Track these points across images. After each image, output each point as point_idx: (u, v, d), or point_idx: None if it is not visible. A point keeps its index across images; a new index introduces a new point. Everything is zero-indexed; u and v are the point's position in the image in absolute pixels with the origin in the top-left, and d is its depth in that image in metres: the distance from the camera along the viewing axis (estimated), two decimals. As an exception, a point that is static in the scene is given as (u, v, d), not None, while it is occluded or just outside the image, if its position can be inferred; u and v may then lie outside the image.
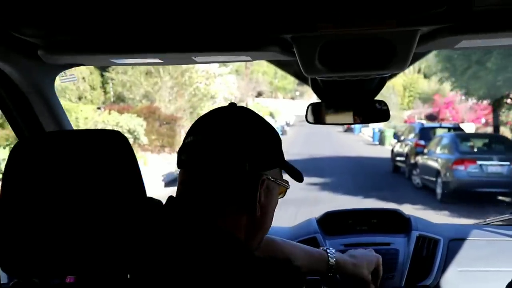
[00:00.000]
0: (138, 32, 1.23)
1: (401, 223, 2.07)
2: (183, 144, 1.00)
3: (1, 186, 0.83)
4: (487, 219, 2.31)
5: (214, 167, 0.91)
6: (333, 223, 2.10)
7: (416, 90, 51.88)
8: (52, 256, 0.83)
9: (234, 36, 1.23)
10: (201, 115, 1.01)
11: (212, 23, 1.19)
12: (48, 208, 0.81)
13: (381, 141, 29.73)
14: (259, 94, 75.43)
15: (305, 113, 1.81)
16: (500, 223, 2.28)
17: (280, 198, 1.04)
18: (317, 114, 1.80)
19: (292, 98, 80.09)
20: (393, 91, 41.76)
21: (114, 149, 0.91)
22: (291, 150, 21.80)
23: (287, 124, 55.55)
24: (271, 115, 60.44)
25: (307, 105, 1.78)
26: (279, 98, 77.88)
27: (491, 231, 2.08)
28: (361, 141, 33.21)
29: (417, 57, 1.45)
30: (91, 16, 1.17)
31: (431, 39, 1.20)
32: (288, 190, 1.03)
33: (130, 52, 1.30)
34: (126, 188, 0.90)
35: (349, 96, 1.70)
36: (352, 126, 43.24)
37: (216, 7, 1.13)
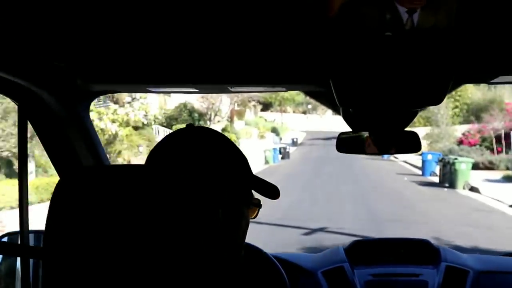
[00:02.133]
0: (175, 64, 1.23)
1: (430, 254, 2.02)
2: None
3: (47, 223, 0.77)
4: None
5: None
6: (361, 252, 2.03)
7: (464, 100, 37.51)
8: None
9: (271, 69, 1.22)
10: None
11: (249, 56, 1.19)
12: (97, 248, 0.73)
13: (444, 179, 16.13)
14: (266, 107, 63.27)
15: (336, 142, 1.72)
16: None
17: (252, 219, 0.97)
18: (347, 143, 1.73)
19: (304, 113, 67.35)
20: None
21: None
22: (283, 198, 8.77)
23: (294, 143, 42.30)
24: (274, 131, 47.38)
25: (338, 134, 1.72)
26: (288, 113, 65.13)
27: None
28: (403, 174, 19.73)
29: (452, 89, 1.32)
30: (130, 45, 1.18)
31: (468, 74, 1.20)
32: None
33: (166, 82, 1.30)
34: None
35: (380, 126, 1.62)
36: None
37: (254, 41, 1.13)
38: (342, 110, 1.51)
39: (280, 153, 30.86)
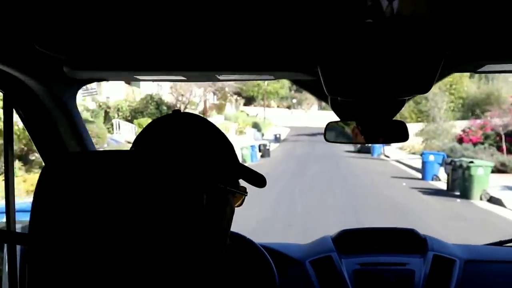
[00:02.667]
0: (162, 50, 1.22)
1: (417, 243, 2.01)
2: None
3: (32, 210, 0.77)
4: (501, 240, 2.17)
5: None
6: (348, 241, 2.04)
7: (459, 94, 34.54)
8: (84, 278, 0.76)
9: (259, 56, 1.22)
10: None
11: (237, 43, 1.18)
12: (82, 233, 0.75)
13: (453, 186, 12.99)
14: (249, 102, 60.14)
15: (323, 132, 1.73)
16: None
17: (237, 207, 0.97)
18: (335, 132, 1.72)
19: (288, 107, 64.33)
20: (438, 94, 24.94)
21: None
22: (249, 212, 5.77)
23: (276, 139, 39.10)
24: (256, 126, 44.17)
25: (326, 123, 1.73)
26: (272, 107, 62.12)
27: (507, 253, 2.03)
28: (399, 178, 16.55)
29: (440, 78, 1.33)
30: (117, 32, 1.17)
31: (455, 63, 1.20)
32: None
33: (154, 69, 1.29)
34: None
35: (368, 115, 1.62)
36: (369, 145, 27.06)
37: (241, 27, 1.12)
38: (330, 99, 1.53)
39: (260, 150, 27.68)
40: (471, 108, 31.46)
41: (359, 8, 1.01)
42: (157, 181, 0.73)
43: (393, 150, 29.15)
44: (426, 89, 1.20)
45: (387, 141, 1.69)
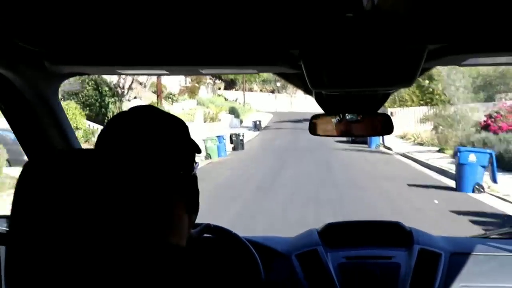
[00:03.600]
0: (144, 45, 1.21)
1: (403, 236, 1.98)
2: None
3: (12, 206, 0.78)
4: (487, 232, 2.22)
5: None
6: (334, 235, 2.02)
7: (469, 72, 28.54)
8: (63, 274, 0.76)
9: (242, 50, 1.21)
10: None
11: (219, 37, 1.17)
12: (63, 231, 0.75)
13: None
14: (230, 86, 54.47)
15: (308, 125, 1.70)
16: (500, 236, 2.21)
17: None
18: (320, 126, 1.71)
19: (272, 92, 58.55)
20: (453, 70, 19.24)
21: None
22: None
23: (256, 127, 33.53)
24: (233, 112, 38.50)
25: (311, 116, 1.70)
26: (255, 91, 56.52)
27: (492, 245, 2.00)
28: (421, 187, 10.88)
29: (424, 71, 1.34)
30: (98, 27, 1.15)
31: (438, 56, 1.18)
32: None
33: (136, 64, 1.28)
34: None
35: (353, 108, 1.63)
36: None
37: (224, 21, 1.12)
38: (314, 93, 1.51)
39: (231, 141, 22.06)
40: (483, 89, 25.73)
41: (340, 2, 1.02)
42: (131, 177, 0.76)
43: (394, 140, 23.70)
44: (409, 82, 1.20)
45: (373, 133, 1.76)
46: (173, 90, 33.91)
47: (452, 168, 12.96)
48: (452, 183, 11.42)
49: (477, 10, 1.05)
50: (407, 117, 28.59)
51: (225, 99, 45.46)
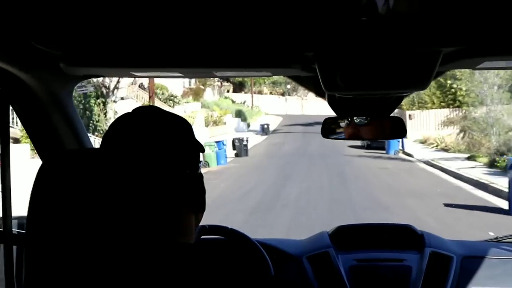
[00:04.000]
0: (159, 47, 1.21)
1: (414, 239, 1.95)
2: None
3: (29, 207, 0.79)
4: (499, 236, 2.18)
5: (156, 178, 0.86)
6: (345, 238, 1.98)
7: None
8: (80, 273, 0.78)
9: (256, 52, 1.20)
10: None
11: (234, 40, 1.17)
12: (79, 230, 0.77)
13: None
14: (239, 88, 52.34)
15: (321, 128, 1.71)
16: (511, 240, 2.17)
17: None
18: (332, 129, 1.70)
19: (282, 94, 56.28)
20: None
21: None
22: None
23: (263, 130, 31.34)
24: (240, 115, 36.31)
25: (324, 119, 1.70)
26: (265, 94, 54.37)
27: (504, 249, 1.97)
28: (459, 206, 8.49)
29: (438, 74, 1.33)
30: (114, 29, 1.16)
31: (453, 60, 1.17)
32: None
33: (151, 66, 1.27)
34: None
35: (365, 112, 1.61)
36: (383, 141, 19.17)
37: (238, 24, 1.12)
38: (327, 96, 1.50)
39: (234, 147, 19.84)
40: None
41: (354, 6, 1.02)
42: (139, 176, 0.77)
43: (413, 146, 21.29)
44: (424, 85, 1.19)
45: (386, 137, 1.70)
46: (176, 92, 31.78)
47: (492, 181, 10.59)
48: (499, 202, 9.06)
49: (492, 13, 1.05)
50: (427, 120, 26.15)
51: (233, 101, 43.28)
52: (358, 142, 22.79)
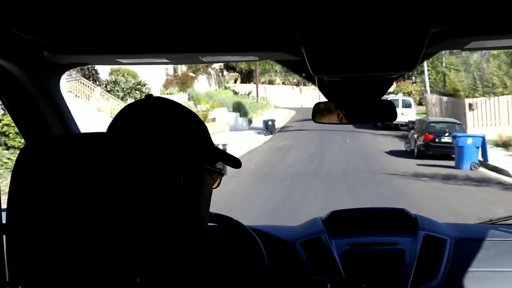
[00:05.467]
0: (144, 32, 1.20)
1: (408, 223, 1.95)
2: None
3: (9, 192, 0.77)
4: (493, 219, 2.15)
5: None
6: (338, 223, 1.98)
7: None
8: (63, 261, 0.76)
9: (242, 36, 1.20)
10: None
11: (220, 24, 1.17)
12: (60, 216, 0.74)
13: None
14: (248, 78, 44.77)
15: (311, 113, 1.69)
16: (507, 222, 2.14)
17: (214, 188, 0.95)
18: (323, 113, 1.71)
19: (297, 84, 48.64)
20: None
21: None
22: None
23: (267, 128, 23.57)
24: (240, 109, 28.55)
25: (314, 104, 1.71)
26: (277, 84, 46.77)
27: (497, 231, 1.96)
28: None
29: (426, 57, 1.35)
30: (97, 15, 1.15)
31: (440, 40, 1.18)
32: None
33: (136, 52, 1.26)
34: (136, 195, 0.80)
35: (356, 95, 1.61)
36: (446, 146, 13.70)
37: (224, 8, 1.12)
38: (317, 80, 1.51)
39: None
40: None
41: None
42: (136, 162, 0.73)
43: (495, 153, 13.28)
44: (412, 66, 1.19)
45: (376, 120, 1.71)
46: (153, 81, 24.11)
47: None
48: None
49: None
50: (496, 111, 18.18)
51: (235, 92, 35.59)
52: (400, 145, 15.68)
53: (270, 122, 23.93)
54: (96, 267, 0.70)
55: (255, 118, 28.65)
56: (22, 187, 0.73)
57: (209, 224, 1.38)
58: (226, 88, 35.38)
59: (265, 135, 23.11)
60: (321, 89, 1.57)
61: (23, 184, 0.73)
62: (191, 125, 0.89)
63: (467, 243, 1.85)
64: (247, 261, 1.43)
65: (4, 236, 1.24)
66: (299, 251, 1.81)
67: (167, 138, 0.83)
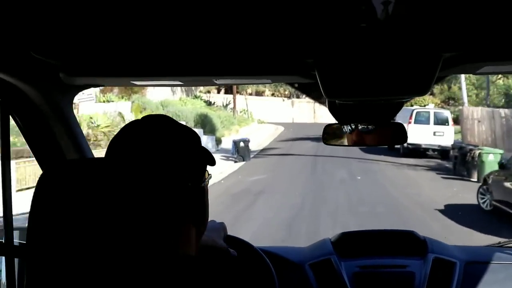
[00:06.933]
0: (159, 56, 1.21)
1: (417, 245, 1.90)
2: None
3: (29, 217, 0.77)
4: (501, 241, 2.08)
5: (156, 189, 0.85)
6: (348, 244, 1.93)
7: None
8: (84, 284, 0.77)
9: (256, 60, 1.20)
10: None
11: (233, 48, 1.17)
12: (79, 241, 0.76)
13: None
14: (230, 89, 37.58)
15: (322, 135, 1.67)
16: None
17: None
18: (333, 136, 1.69)
19: (288, 97, 41.50)
20: None
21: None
22: None
23: (238, 152, 15.47)
24: (205, 124, 21.02)
25: (324, 126, 1.68)
26: (265, 96, 39.82)
27: (507, 254, 1.93)
28: None
29: (439, 80, 1.31)
30: (113, 38, 1.16)
31: (453, 65, 1.18)
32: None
33: (150, 75, 1.26)
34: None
35: (367, 118, 1.59)
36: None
37: (238, 32, 1.12)
38: (327, 102, 1.49)
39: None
40: None
41: (353, 13, 1.02)
42: (140, 187, 0.75)
43: None
44: (425, 91, 1.18)
45: (386, 142, 1.70)
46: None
47: None
48: None
49: (491, 18, 1.05)
50: None
51: (208, 103, 28.13)
52: (447, 188, 7.86)
53: (242, 143, 16.39)
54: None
55: (228, 136, 21.14)
56: (42, 212, 0.74)
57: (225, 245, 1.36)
58: (196, 97, 27.85)
59: (235, 162, 15.68)
60: (331, 110, 1.56)
61: (43, 209, 0.74)
62: (186, 140, 0.90)
63: (476, 266, 1.82)
64: (258, 284, 1.34)
65: (14, 258, 1.35)
66: (308, 273, 1.78)
67: (172, 162, 0.85)
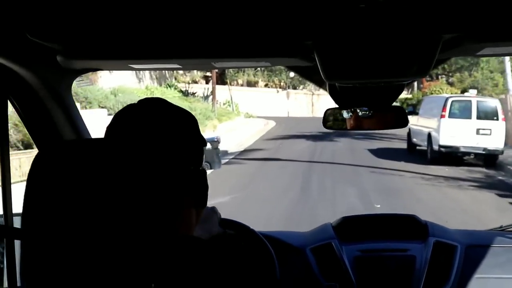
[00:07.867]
0: (157, 38, 1.19)
1: (418, 229, 1.93)
2: None
3: (24, 198, 0.77)
4: (503, 225, 2.07)
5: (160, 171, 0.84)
6: (349, 228, 1.95)
7: None
8: (78, 266, 0.76)
9: (255, 42, 1.19)
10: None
11: (232, 30, 1.15)
12: (75, 223, 0.75)
13: None
14: (220, 79, 33.16)
15: (322, 119, 1.69)
16: None
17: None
18: (334, 120, 1.71)
19: (283, 88, 36.98)
20: None
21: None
22: None
23: (206, 154, 10.21)
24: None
25: (324, 110, 1.69)
26: (259, 87, 35.49)
27: (508, 238, 1.94)
28: None
29: (439, 62, 1.33)
30: (110, 21, 1.14)
31: (453, 46, 1.16)
32: None
33: (148, 57, 1.26)
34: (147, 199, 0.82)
35: (367, 102, 1.60)
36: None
37: (237, 14, 1.11)
38: (328, 86, 1.49)
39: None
40: None
41: None
42: (140, 169, 0.74)
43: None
44: (424, 73, 1.17)
45: (387, 126, 1.67)
46: None
47: None
48: None
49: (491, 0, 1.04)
50: None
51: (185, 93, 23.58)
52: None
53: (209, 145, 11.84)
54: (111, 271, 0.70)
55: (203, 133, 16.62)
56: (37, 192, 0.73)
57: (222, 230, 1.37)
58: (169, 86, 23.24)
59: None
60: (332, 95, 1.54)
61: (38, 189, 0.73)
62: (186, 123, 0.88)
63: (477, 250, 1.83)
64: (258, 268, 1.29)
65: (14, 241, 1.32)
66: (309, 257, 1.80)
67: (174, 139, 0.85)
